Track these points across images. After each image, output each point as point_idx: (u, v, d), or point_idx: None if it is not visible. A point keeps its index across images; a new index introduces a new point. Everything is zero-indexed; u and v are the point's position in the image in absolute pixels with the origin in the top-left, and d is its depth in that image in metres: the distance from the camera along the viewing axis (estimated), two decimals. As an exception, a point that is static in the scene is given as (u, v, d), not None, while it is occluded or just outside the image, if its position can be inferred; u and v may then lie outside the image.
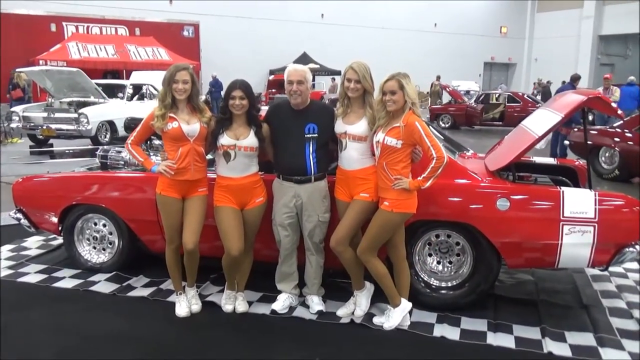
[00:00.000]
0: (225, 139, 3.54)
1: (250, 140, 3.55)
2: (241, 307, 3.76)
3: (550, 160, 4.93)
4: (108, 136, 12.29)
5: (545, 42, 32.91)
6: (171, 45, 22.17)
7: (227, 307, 3.76)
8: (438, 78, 22.89)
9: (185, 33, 24.62)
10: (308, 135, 3.57)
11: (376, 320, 3.59)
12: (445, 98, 21.43)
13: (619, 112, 3.96)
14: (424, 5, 29.98)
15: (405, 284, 3.55)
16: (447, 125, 17.81)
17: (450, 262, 3.88)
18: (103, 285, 4.18)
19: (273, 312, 3.72)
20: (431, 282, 3.87)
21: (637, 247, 3.51)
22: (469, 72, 30.97)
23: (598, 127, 10.43)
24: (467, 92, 23.53)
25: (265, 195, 3.71)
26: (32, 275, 4.37)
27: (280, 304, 3.76)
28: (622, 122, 8.88)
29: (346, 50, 22.06)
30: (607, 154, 9.14)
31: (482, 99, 18.55)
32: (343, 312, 3.70)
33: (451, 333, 3.45)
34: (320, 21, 27.73)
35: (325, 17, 27.93)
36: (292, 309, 3.78)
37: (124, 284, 4.17)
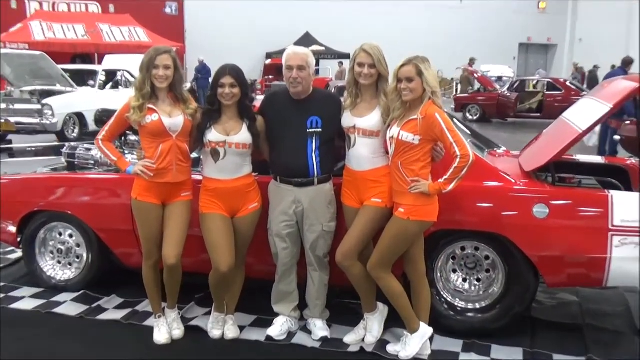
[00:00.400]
0: (213, 135, 3.53)
1: (243, 135, 3.55)
2: (231, 332, 3.75)
3: (597, 159, 4.92)
4: (76, 131, 12.36)
5: (591, 20, 32.81)
6: (151, 25, 22.28)
7: (215, 333, 3.75)
8: (471, 62, 22.75)
9: (168, 10, 24.78)
10: (310, 130, 3.56)
11: (390, 348, 3.57)
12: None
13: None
14: (447, -23, 30.06)
15: (425, 306, 3.53)
16: (474, 118, 17.80)
17: (478, 280, 3.87)
18: (69, 306, 4.17)
19: (269, 338, 3.71)
20: (456, 304, 3.85)
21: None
22: (502, 55, 30.92)
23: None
24: (499, 78, 23.50)
25: (260, 201, 3.70)
26: (-14, 295, 4.38)
27: (278, 329, 3.75)
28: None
29: (356, 30, 22.10)
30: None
31: (517, 86, 18.52)
32: (351, 338, 3.68)
33: (480, 363, 3.44)
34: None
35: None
36: (291, 334, 3.77)
37: (94, 305, 4.16)
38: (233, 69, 3.53)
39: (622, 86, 3.87)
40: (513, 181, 3.75)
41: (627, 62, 11.97)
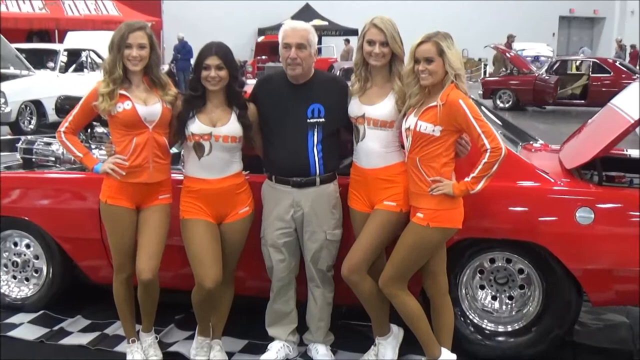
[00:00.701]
0: (196, 126, 3.56)
1: (232, 127, 3.58)
2: (218, 359, 3.78)
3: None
4: (33, 122, 12.39)
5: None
6: (121, -5, 22.32)
7: None
8: (510, 39, 22.61)
9: (142, -22, 24.78)
10: (311, 120, 3.59)
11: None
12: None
13: None
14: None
15: (447, 328, 3.55)
16: (506, 105, 17.81)
17: (510, 298, 3.89)
18: (26, 329, 4.20)
19: None
20: (484, 326, 3.87)
21: None
22: (539, 30, 30.93)
23: None
24: (536, 58, 23.56)
25: (252, 204, 3.73)
26: None
27: (273, 355, 3.78)
28: None
29: (364, 1, 22.07)
30: None
31: (557, 68, 18.53)
32: None
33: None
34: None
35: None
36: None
37: (56, 328, 4.19)
38: (220, 48, 3.55)
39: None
40: (552, 181, 3.77)
41: None
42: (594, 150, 3.76)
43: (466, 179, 3.28)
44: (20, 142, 5.06)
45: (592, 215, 3.58)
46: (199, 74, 3.54)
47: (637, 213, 3.60)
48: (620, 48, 23.72)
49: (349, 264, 3.51)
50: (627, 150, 4.79)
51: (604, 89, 16.30)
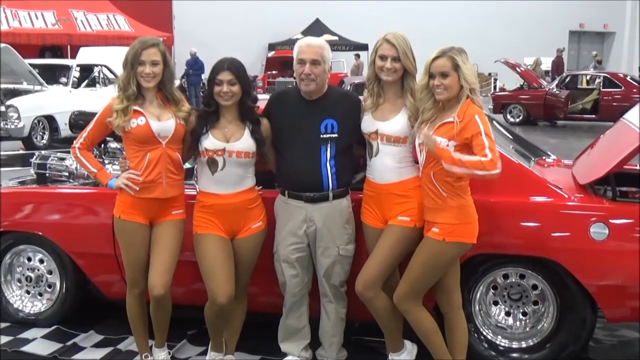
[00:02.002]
0: (210, 142, 3.57)
1: (245, 142, 3.59)
2: None
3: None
4: (46, 137, 12.45)
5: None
6: (133, 12, 22.49)
7: None
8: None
9: (153, -6, 24.99)
10: (324, 136, 3.60)
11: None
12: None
13: None
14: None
15: (461, 345, 3.54)
16: (517, 120, 17.81)
17: (524, 314, 3.88)
18: (40, 344, 4.21)
19: None
20: (498, 342, 3.86)
21: None
22: (549, 45, 30.90)
23: None
24: (547, 73, 23.51)
25: (265, 220, 3.73)
26: (-58, 331, 4.43)
27: None
28: None
29: (375, 17, 22.21)
30: None
31: (568, 82, 18.51)
32: None
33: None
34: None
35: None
36: None
37: (69, 343, 4.20)
38: (232, 64, 3.57)
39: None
40: (566, 196, 3.76)
41: None
42: (608, 165, 3.76)
43: (455, 154, 3.21)
44: (34, 157, 5.08)
45: (607, 231, 3.58)
46: (212, 89, 3.56)
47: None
48: (598, 63, 23.75)
49: (364, 279, 3.50)
50: (640, 166, 4.78)
51: (614, 104, 16.27)
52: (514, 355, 3.82)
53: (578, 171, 4.17)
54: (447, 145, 3.28)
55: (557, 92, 17.75)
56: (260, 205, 3.73)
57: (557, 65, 24.29)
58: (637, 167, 4.68)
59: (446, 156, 3.20)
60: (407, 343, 3.73)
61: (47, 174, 4.94)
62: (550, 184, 3.81)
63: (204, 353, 3.91)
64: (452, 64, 3.27)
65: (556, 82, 18.98)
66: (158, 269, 3.59)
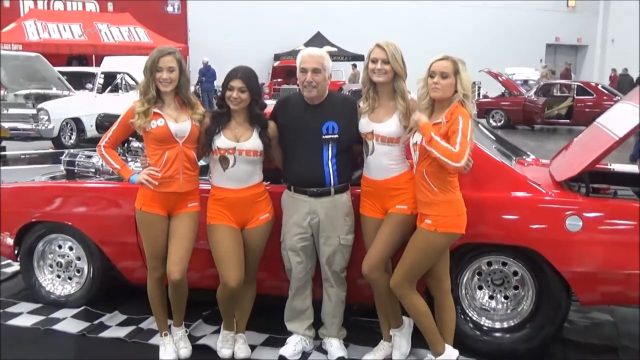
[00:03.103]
0: (222, 141, 3.58)
1: (253, 142, 3.60)
2: (242, 352, 3.78)
3: (634, 168, 4.90)
4: (73, 137, 12.46)
5: (624, 20, 32.64)
6: (152, 24, 22.48)
7: (224, 352, 3.78)
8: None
9: (170, 9, 25.00)
10: (326, 137, 3.60)
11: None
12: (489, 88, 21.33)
13: None
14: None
15: (449, 326, 3.54)
16: (499, 124, 17.80)
17: (506, 297, 3.87)
18: (69, 323, 4.22)
19: (282, 358, 3.74)
20: (482, 323, 3.86)
21: None
22: (528, 56, 30.85)
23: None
24: (525, 82, 23.50)
25: (272, 212, 3.74)
26: (-19, 311, 4.44)
27: (291, 348, 3.77)
28: None
29: (370, 30, 22.06)
30: None
31: (545, 90, 18.48)
32: (370, 359, 3.70)
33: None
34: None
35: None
36: (305, 355, 3.80)
37: (96, 322, 4.21)
38: (244, 73, 3.57)
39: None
40: (544, 192, 3.76)
41: None
42: (582, 164, 3.75)
43: (432, 134, 3.20)
44: (64, 155, 5.10)
45: (581, 223, 3.58)
46: (224, 93, 3.58)
47: (621, 221, 3.60)
48: (552, 73, 23.96)
49: (369, 263, 3.51)
50: (611, 165, 4.78)
51: (587, 110, 16.26)
52: (497, 334, 3.82)
53: (555, 169, 4.17)
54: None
55: (535, 99, 17.75)
56: (267, 199, 3.74)
57: (565, 76, 24.54)
58: (608, 166, 4.71)
59: (426, 134, 3.21)
60: (405, 319, 3.72)
61: (75, 170, 4.96)
62: (530, 181, 3.80)
63: (218, 332, 3.91)
64: (453, 68, 3.27)
65: (534, 90, 18.98)
66: (175, 256, 3.60)
